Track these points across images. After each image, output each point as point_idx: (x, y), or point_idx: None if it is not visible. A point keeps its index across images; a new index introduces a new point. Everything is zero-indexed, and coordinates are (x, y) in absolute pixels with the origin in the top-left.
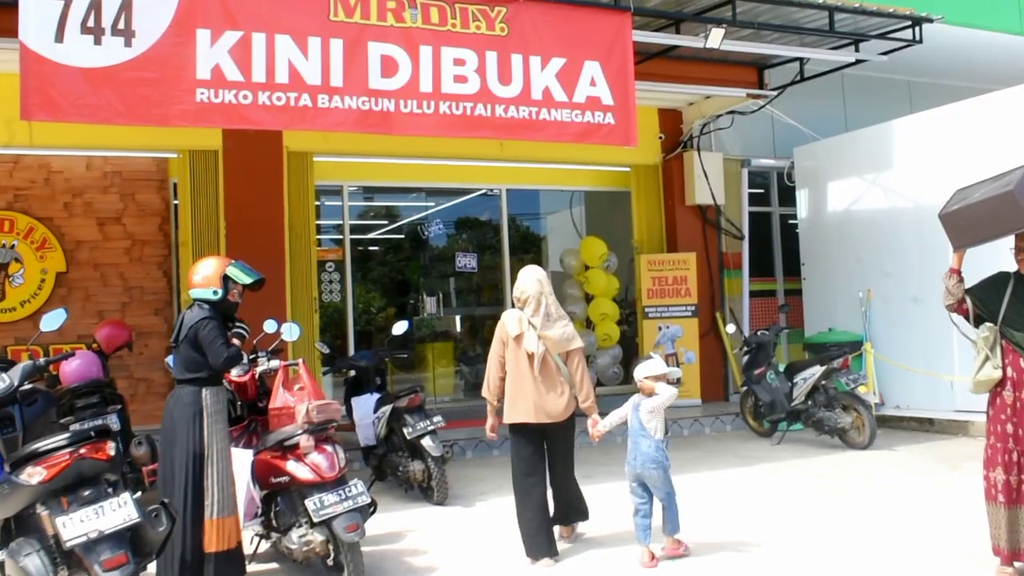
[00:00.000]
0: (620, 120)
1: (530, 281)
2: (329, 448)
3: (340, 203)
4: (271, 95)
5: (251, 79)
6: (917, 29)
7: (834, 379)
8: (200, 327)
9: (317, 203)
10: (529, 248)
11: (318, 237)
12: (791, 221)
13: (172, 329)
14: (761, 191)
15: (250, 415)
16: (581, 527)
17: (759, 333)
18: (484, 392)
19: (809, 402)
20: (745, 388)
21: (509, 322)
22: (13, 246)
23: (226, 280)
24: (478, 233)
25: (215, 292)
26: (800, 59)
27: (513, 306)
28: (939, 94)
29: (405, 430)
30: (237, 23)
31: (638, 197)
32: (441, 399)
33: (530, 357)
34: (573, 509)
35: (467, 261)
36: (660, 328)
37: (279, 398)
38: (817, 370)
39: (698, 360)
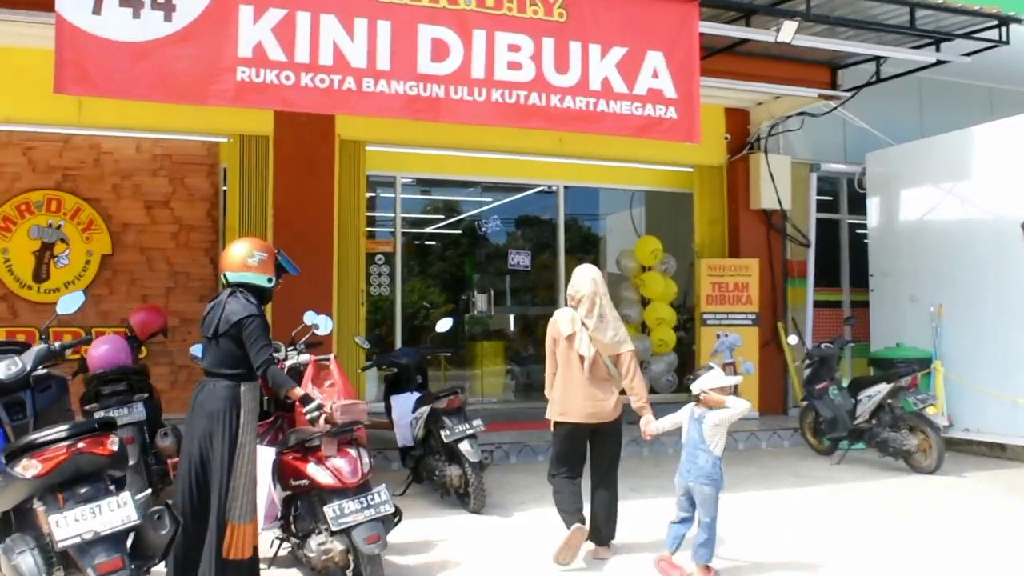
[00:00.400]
0: (683, 115)
1: (585, 280)
2: (353, 452)
3: (392, 194)
4: (314, 77)
5: (294, 59)
6: (1004, 29)
7: (901, 398)
8: (247, 323)
9: (370, 194)
10: (586, 248)
11: (369, 229)
12: (860, 230)
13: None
14: (829, 198)
15: (277, 411)
16: (617, 540)
17: (822, 346)
18: (547, 391)
19: (873, 421)
20: (806, 403)
21: (561, 321)
22: (60, 226)
23: (278, 268)
24: (534, 231)
25: (270, 280)
26: (877, 59)
27: (566, 304)
28: (1022, 102)
29: (443, 433)
30: (282, 0)
31: (701, 199)
32: (489, 400)
33: (581, 359)
34: (606, 525)
35: (520, 259)
36: (719, 336)
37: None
38: (883, 387)
39: (757, 371)
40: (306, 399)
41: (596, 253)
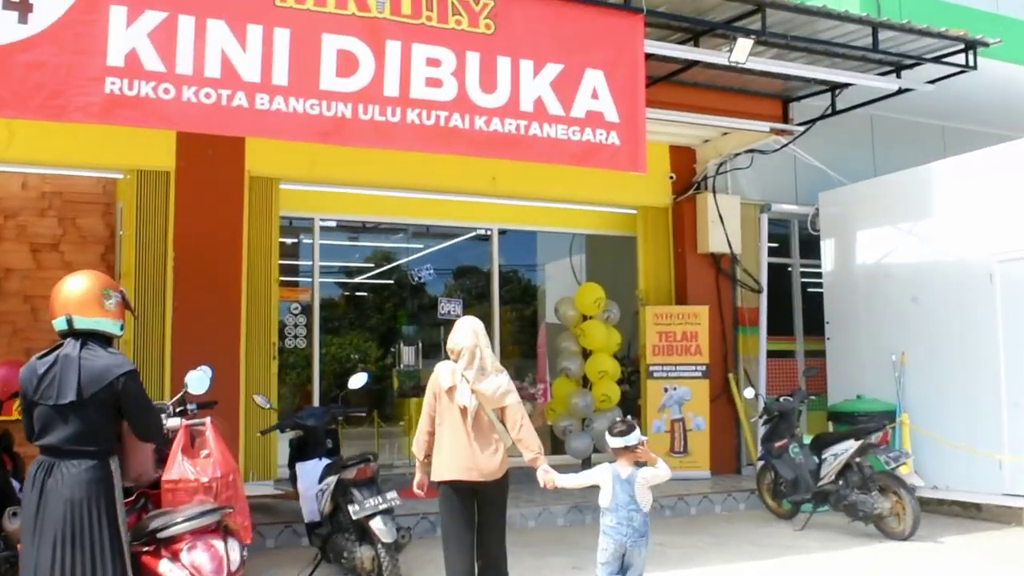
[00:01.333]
0: (627, 140)
1: (464, 332)
2: (219, 545)
3: (310, 239)
4: (199, 91)
5: (175, 70)
6: (971, 54)
7: (870, 456)
8: (130, 382)
9: (287, 239)
10: (523, 296)
11: (284, 277)
12: (810, 272)
13: None
14: (778, 243)
15: (140, 488)
16: None
17: (781, 399)
18: (414, 448)
19: (840, 482)
20: (763, 462)
21: (442, 374)
22: None
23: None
24: (468, 279)
25: (122, 327)
26: (832, 89)
27: (445, 358)
28: (975, 141)
29: (351, 508)
30: (161, 0)
31: (645, 242)
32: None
33: (463, 411)
34: None
35: (451, 307)
36: (666, 389)
37: (176, 467)
38: (851, 445)
39: (707, 427)
40: None
41: (534, 301)
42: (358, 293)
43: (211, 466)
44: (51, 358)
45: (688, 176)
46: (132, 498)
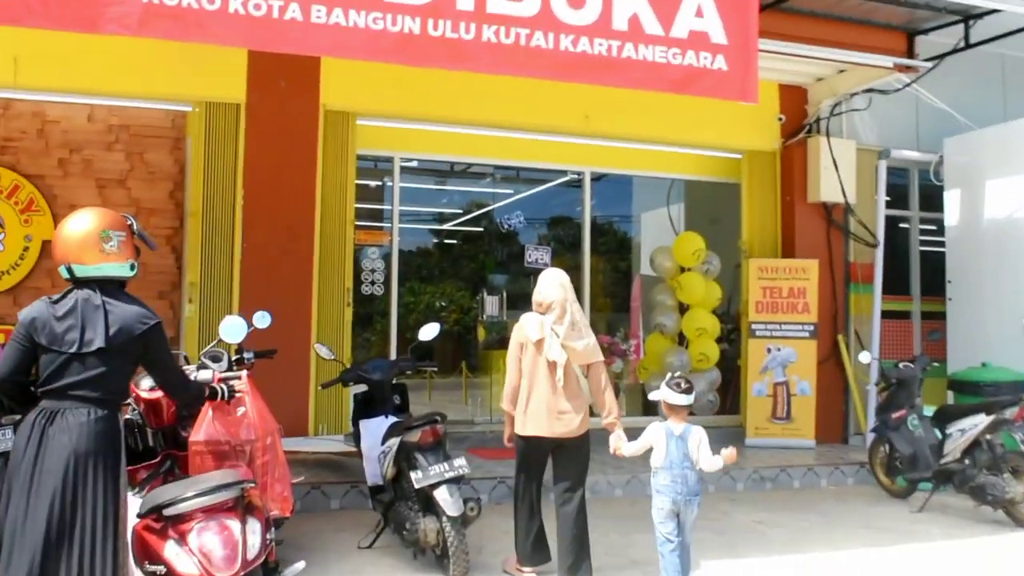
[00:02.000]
0: (735, 65)
1: (552, 285)
2: (235, 526)
3: (390, 180)
4: (247, 2)
5: None
6: None
7: (1002, 433)
8: (159, 334)
9: (362, 180)
10: (617, 245)
11: (361, 222)
12: (930, 226)
13: (177, 317)
14: (897, 192)
15: (166, 448)
16: None
17: (901, 366)
18: (503, 403)
19: (966, 461)
20: (877, 434)
21: (529, 325)
22: None
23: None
24: (557, 228)
25: (133, 267)
26: (967, 19)
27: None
28: None
29: (413, 475)
30: None
31: (750, 189)
32: (499, 418)
33: (551, 366)
34: (575, 555)
35: (539, 256)
36: (769, 350)
37: (204, 428)
38: (981, 420)
39: (814, 393)
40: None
41: (627, 252)
42: (441, 239)
43: (245, 427)
44: (69, 302)
45: (799, 119)
46: (156, 460)
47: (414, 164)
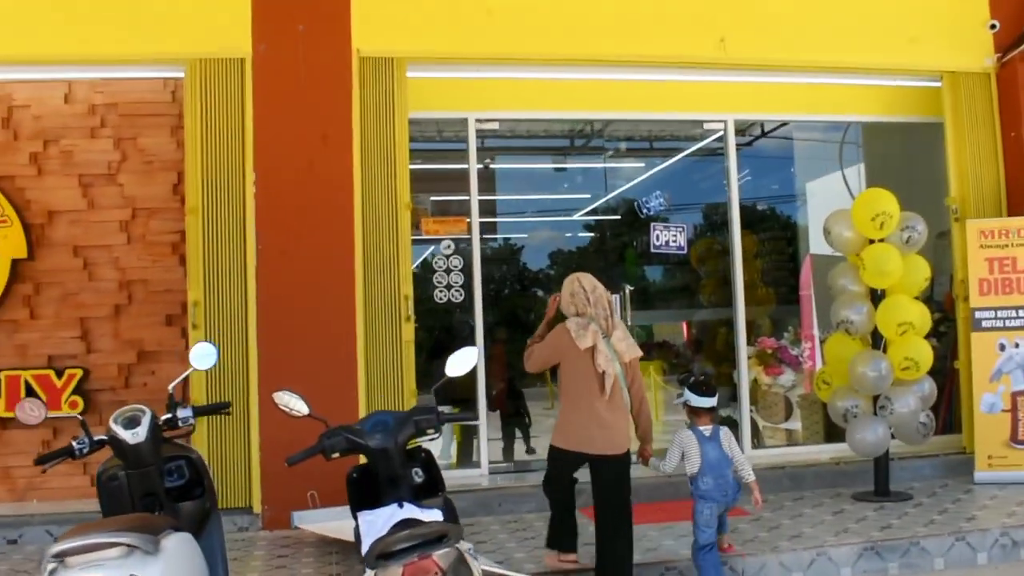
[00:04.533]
0: None
1: (593, 282)
2: None
3: (464, 148)
4: None
5: None
6: None
7: None
8: None
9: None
10: (774, 219)
11: (429, 204)
12: None
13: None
14: None
15: None
16: None
17: None
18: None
19: None
20: None
21: (577, 330)
22: None
23: None
24: (695, 198)
25: None
26: None
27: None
28: None
29: None
30: None
31: (956, 126)
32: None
33: (601, 376)
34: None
35: (670, 237)
36: (1003, 347)
37: None
38: None
39: None
40: None
41: (791, 225)
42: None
43: None
44: None
45: (1018, 23)
46: None
47: (494, 125)
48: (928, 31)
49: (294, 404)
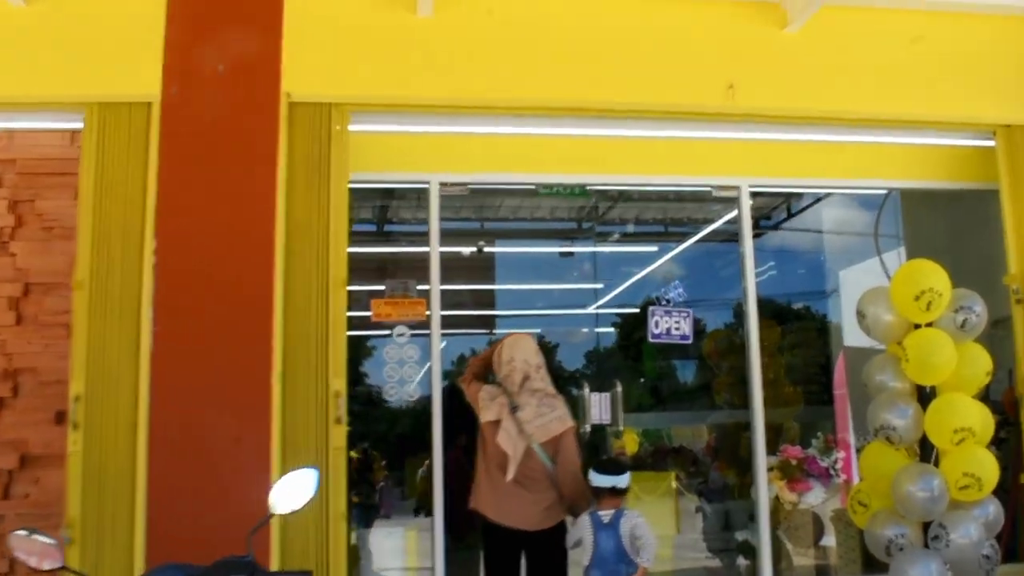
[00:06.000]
0: None
1: (513, 353)
2: None
3: (424, 216)
4: None
5: None
6: None
7: None
8: None
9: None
10: (800, 307)
11: (375, 287)
12: None
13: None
14: None
15: None
16: None
17: None
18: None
19: None
20: None
21: (486, 400)
22: None
23: None
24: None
25: None
26: None
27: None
28: None
29: None
30: None
31: (1014, 189)
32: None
33: (504, 456)
34: None
35: (672, 324)
36: None
37: None
38: None
39: None
40: None
41: (820, 314)
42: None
43: None
44: None
45: None
46: None
47: (461, 189)
48: (978, 78)
49: (23, 552)
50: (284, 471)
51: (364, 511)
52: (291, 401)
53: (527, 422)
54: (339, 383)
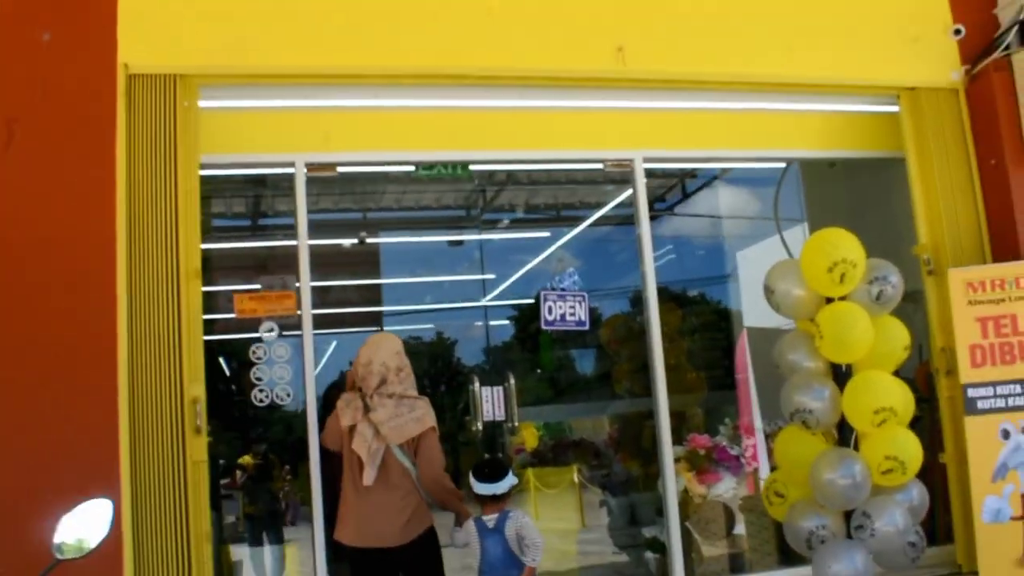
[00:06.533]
0: None
1: (371, 355)
2: None
3: (289, 205)
4: None
5: None
6: None
7: None
8: None
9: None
10: (698, 286)
11: (245, 287)
12: None
13: None
14: None
15: None
16: None
17: None
18: None
19: None
20: None
21: (342, 407)
22: None
23: None
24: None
25: None
26: None
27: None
28: None
29: None
30: None
31: (921, 155)
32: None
33: (360, 459)
34: None
35: (567, 309)
36: (1007, 433)
37: None
38: None
39: None
40: None
41: (720, 293)
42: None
43: None
44: None
45: (987, 28)
46: None
47: (331, 172)
48: (879, 39)
49: None
50: (133, 489)
51: (271, 519)
52: (139, 408)
53: (382, 423)
54: (197, 388)
